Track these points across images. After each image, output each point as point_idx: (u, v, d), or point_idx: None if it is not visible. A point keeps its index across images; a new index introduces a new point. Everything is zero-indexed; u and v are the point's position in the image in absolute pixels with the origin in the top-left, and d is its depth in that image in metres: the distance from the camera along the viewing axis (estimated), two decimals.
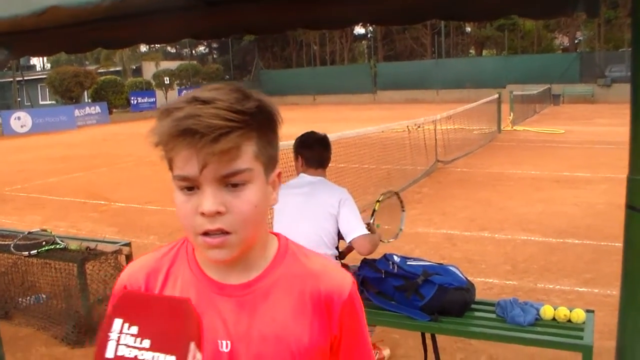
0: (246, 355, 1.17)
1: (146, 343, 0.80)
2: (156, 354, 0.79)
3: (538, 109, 27.64)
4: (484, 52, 50.98)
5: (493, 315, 3.72)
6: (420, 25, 41.79)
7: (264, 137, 1.13)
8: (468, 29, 49.49)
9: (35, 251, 5.21)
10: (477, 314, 3.80)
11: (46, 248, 5.24)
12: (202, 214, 1.08)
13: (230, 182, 1.09)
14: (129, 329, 0.82)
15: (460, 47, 50.38)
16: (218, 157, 1.05)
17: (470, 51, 51.79)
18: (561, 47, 48.28)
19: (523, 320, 3.54)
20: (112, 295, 1.24)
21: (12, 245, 5.35)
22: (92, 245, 5.23)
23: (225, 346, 1.16)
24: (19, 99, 42.99)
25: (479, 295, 3.97)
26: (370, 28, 51.16)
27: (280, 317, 1.20)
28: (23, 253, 5.27)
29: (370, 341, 1.35)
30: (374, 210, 4.22)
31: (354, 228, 3.81)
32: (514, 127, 20.60)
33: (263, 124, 1.12)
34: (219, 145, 1.04)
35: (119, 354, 0.78)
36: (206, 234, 1.10)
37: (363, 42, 57.65)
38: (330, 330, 1.24)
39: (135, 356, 0.78)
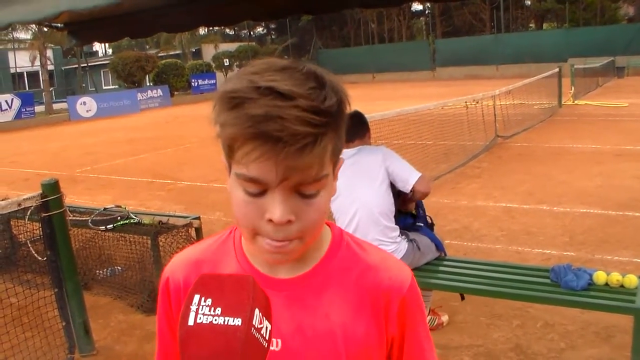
0: (298, 354, 1.09)
1: (218, 311, 0.92)
2: (226, 318, 0.91)
3: (601, 83, 26.97)
4: (545, 26, 49.83)
5: (547, 281, 3.86)
6: None
7: (339, 133, 0.99)
8: (528, 2, 48.45)
9: (112, 226, 5.46)
10: (532, 279, 3.94)
11: (121, 223, 5.49)
12: (270, 220, 0.97)
13: (304, 192, 0.97)
14: (205, 301, 0.93)
15: (519, 21, 49.28)
16: (301, 170, 0.93)
17: (530, 25, 50.67)
18: (626, 17, 46.59)
19: (576, 284, 3.66)
20: (159, 288, 1.23)
21: (89, 220, 5.59)
22: (164, 219, 5.45)
23: (275, 344, 1.07)
24: (84, 85, 44.14)
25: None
26: (428, 4, 50.51)
27: (336, 313, 1.10)
28: (100, 228, 5.53)
29: (432, 341, 1.22)
30: None
31: (409, 175, 4.00)
32: (575, 102, 20.18)
33: (340, 120, 0.98)
34: (304, 159, 0.91)
35: (197, 321, 0.91)
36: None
37: (421, 18, 56.88)
38: (387, 328, 1.13)
39: (210, 321, 0.91)
